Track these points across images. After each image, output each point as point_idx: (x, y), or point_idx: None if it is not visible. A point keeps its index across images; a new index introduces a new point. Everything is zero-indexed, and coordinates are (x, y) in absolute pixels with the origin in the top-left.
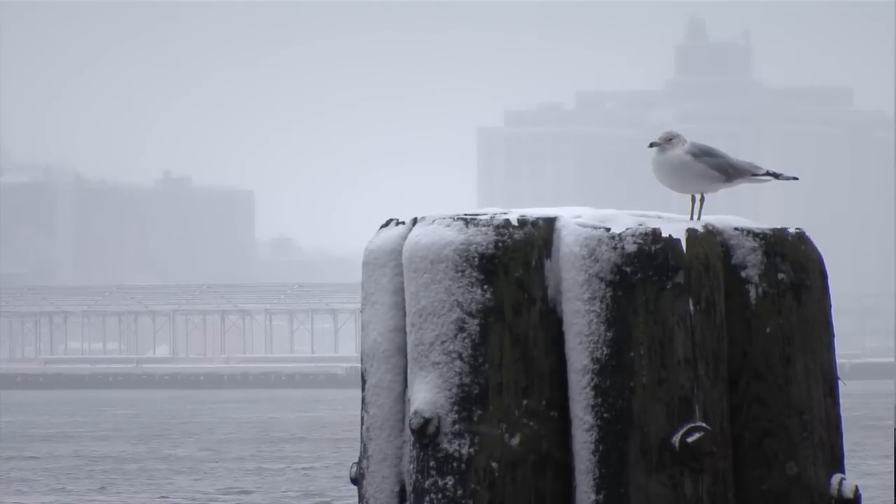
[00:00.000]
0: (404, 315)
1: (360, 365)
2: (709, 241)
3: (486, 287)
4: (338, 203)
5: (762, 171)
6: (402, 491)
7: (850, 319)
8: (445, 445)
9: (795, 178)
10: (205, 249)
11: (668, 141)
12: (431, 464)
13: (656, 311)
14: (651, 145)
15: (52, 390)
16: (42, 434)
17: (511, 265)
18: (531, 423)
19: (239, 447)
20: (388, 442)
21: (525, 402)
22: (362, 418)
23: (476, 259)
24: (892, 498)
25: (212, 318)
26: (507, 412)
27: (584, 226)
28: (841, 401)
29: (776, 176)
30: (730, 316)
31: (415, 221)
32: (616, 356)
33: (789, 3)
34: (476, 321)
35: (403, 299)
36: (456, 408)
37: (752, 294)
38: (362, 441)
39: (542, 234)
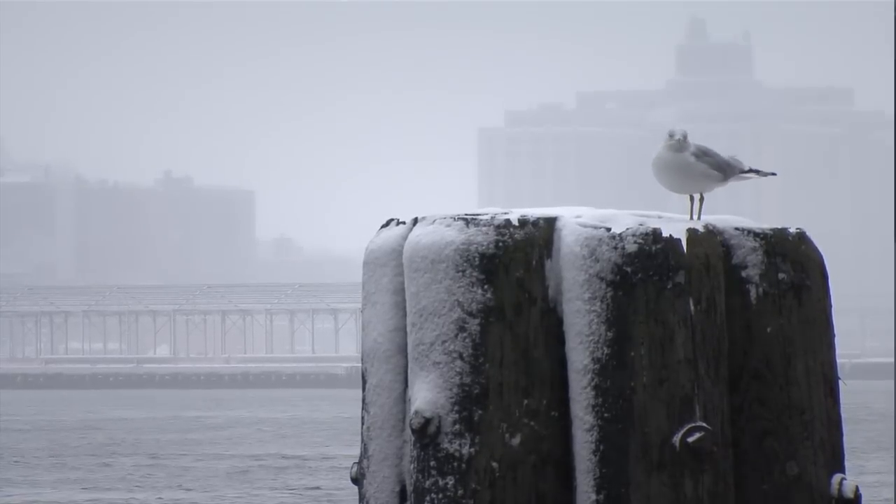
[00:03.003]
0: (405, 315)
1: (360, 365)
2: (709, 241)
3: (486, 287)
4: (338, 203)
5: (746, 168)
6: (403, 491)
7: (851, 319)
8: (446, 445)
9: (773, 174)
10: (205, 249)
11: (685, 138)
12: (432, 463)
13: (657, 310)
14: (671, 136)
15: (53, 390)
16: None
17: (512, 265)
18: (532, 423)
19: (239, 447)
20: (389, 442)
21: (526, 401)
22: (363, 418)
23: (477, 259)
24: (893, 498)
25: (212, 318)
26: (507, 412)
27: (585, 226)
28: (841, 400)
29: (757, 172)
30: (730, 316)
31: (415, 221)
32: (617, 356)
33: (789, 3)
34: (477, 321)
35: (404, 299)
36: (456, 408)
37: (753, 294)
38: (363, 441)
39: (542, 233)
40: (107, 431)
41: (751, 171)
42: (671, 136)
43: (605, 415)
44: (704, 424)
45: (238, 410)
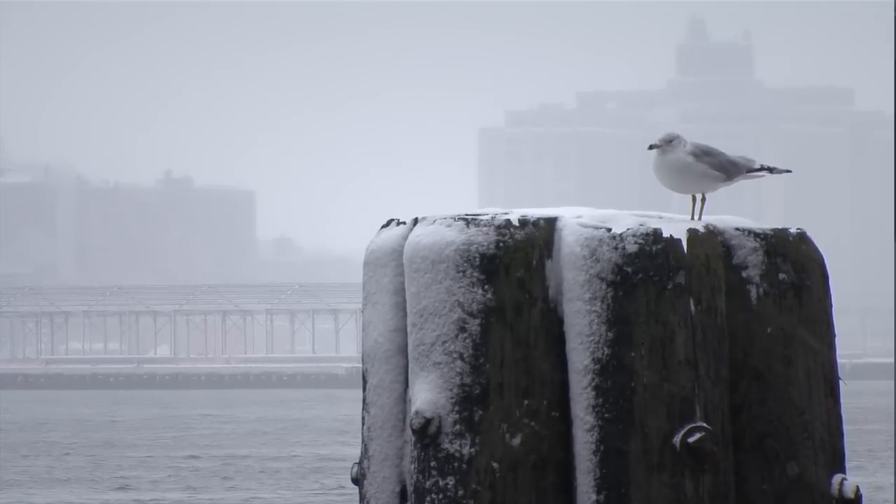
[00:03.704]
0: (405, 315)
1: (361, 365)
2: (710, 242)
3: (487, 287)
4: (338, 203)
5: (757, 166)
6: (403, 491)
7: (851, 319)
8: (446, 445)
9: (789, 171)
10: (206, 249)
11: (668, 143)
12: (432, 464)
13: (657, 311)
14: (651, 147)
15: (53, 390)
16: None
17: (512, 265)
18: (532, 424)
19: (238, 447)
20: (389, 442)
21: (526, 402)
22: (363, 418)
23: (477, 259)
24: (893, 498)
25: (213, 318)
26: (508, 412)
27: (585, 226)
28: (842, 401)
29: (770, 170)
30: (731, 316)
31: (416, 221)
32: (617, 356)
33: (789, 3)
34: (477, 321)
35: (404, 299)
36: (457, 408)
37: (753, 294)
38: (363, 441)
39: (543, 234)
40: (129, 430)
41: (763, 168)
42: (650, 147)
43: (606, 415)
44: (705, 425)
45: (249, 409)
